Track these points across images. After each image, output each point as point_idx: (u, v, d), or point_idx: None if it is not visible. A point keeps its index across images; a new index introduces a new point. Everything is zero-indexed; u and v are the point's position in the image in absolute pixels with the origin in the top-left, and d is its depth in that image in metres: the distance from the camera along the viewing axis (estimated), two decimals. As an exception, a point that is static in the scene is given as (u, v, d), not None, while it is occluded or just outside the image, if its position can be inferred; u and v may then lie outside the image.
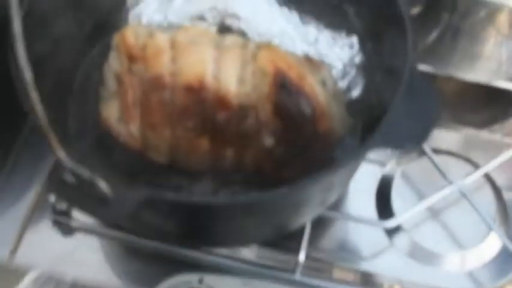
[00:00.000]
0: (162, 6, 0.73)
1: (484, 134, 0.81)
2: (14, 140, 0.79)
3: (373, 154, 0.78)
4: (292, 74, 0.60)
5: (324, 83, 0.63)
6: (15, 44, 0.44)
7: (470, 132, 0.82)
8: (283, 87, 0.60)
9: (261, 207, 0.55)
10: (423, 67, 0.79)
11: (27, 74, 0.45)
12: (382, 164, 0.78)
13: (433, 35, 0.79)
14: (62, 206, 0.70)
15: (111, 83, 0.64)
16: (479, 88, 0.83)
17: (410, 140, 0.55)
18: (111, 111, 0.64)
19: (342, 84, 0.69)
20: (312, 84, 0.61)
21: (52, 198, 0.70)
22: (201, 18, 0.71)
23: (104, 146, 0.65)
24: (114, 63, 0.63)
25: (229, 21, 0.70)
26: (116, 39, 0.63)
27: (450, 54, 0.78)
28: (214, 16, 0.71)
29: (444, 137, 0.80)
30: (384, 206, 0.74)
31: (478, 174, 0.73)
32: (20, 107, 0.52)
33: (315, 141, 0.61)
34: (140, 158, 0.64)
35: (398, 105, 0.55)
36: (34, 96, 0.46)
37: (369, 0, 0.70)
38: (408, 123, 0.55)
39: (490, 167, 0.73)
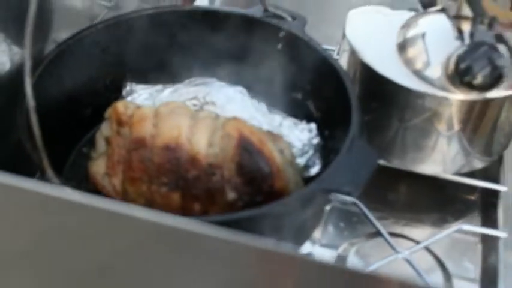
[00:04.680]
0: (152, 96, 0.85)
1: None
2: None
3: (326, 239, 0.87)
4: (254, 138, 0.71)
5: (281, 151, 0.74)
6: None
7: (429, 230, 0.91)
8: (246, 150, 0.70)
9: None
10: (382, 162, 0.89)
11: (31, 102, 0.57)
12: (336, 247, 0.87)
13: (387, 136, 0.89)
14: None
15: (100, 145, 0.75)
16: (434, 187, 0.93)
17: (350, 185, 0.65)
18: (98, 168, 0.74)
19: (301, 161, 0.79)
20: (271, 149, 0.72)
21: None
22: (184, 105, 0.83)
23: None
24: (105, 129, 0.75)
25: (206, 107, 0.83)
26: (109, 111, 0.75)
27: (403, 150, 0.89)
28: (195, 104, 0.83)
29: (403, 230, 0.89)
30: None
31: (420, 246, 0.82)
32: None
33: (271, 197, 0.71)
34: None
35: (341, 161, 0.67)
36: (34, 119, 0.57)
37: (325, 97, 0.83)
38: (349, 174, 0.66)
39: (430, 241, 0.83)
